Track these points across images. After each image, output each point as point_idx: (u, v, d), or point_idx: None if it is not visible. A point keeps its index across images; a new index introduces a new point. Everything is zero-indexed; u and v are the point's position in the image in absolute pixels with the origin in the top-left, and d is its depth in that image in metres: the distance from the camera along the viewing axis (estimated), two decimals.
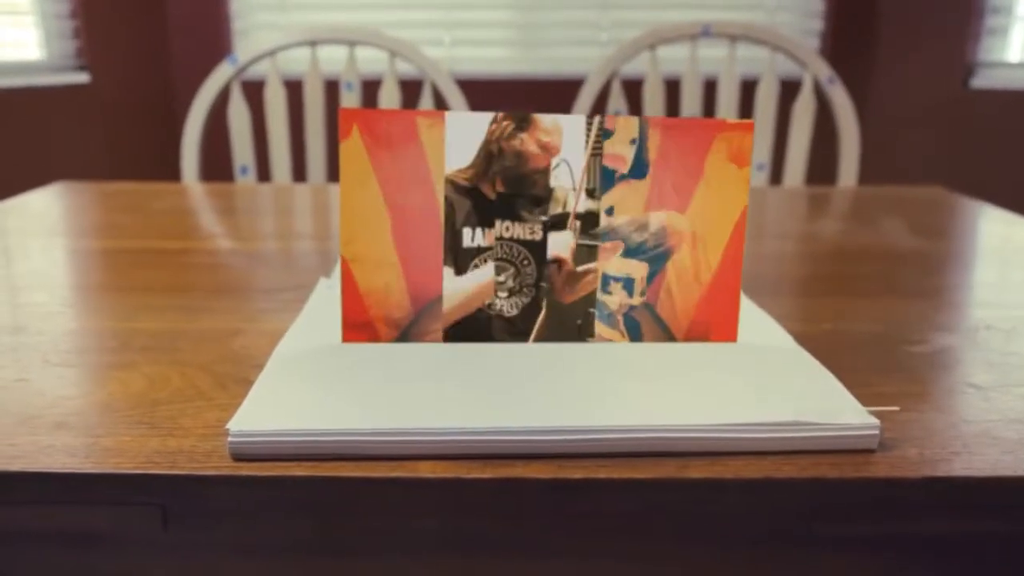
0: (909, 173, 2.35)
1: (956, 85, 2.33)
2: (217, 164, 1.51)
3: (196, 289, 0.75)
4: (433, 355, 0.54)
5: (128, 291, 0.74)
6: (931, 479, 0.44)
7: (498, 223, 0.56)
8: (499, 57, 2.59)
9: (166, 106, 2.00)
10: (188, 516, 0.44)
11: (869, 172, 1.59)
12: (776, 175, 1.65)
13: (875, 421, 0.46)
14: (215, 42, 2.44)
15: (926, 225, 1.06)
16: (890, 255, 0.90)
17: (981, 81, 2.32)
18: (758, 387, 0.50)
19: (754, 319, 0.63)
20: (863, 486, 0.44)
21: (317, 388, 0.50)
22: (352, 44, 1.46)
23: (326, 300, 0.66)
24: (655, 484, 0.44)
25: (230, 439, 0.45)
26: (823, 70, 1.44)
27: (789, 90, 1.56)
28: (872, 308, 0.71)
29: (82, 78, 2.16)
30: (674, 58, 1.64)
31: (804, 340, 0.60)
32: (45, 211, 1.08)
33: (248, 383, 0.54)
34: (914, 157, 2.37)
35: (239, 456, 0.45)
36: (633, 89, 1.50)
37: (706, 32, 1.45)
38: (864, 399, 0.50)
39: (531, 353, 0.55)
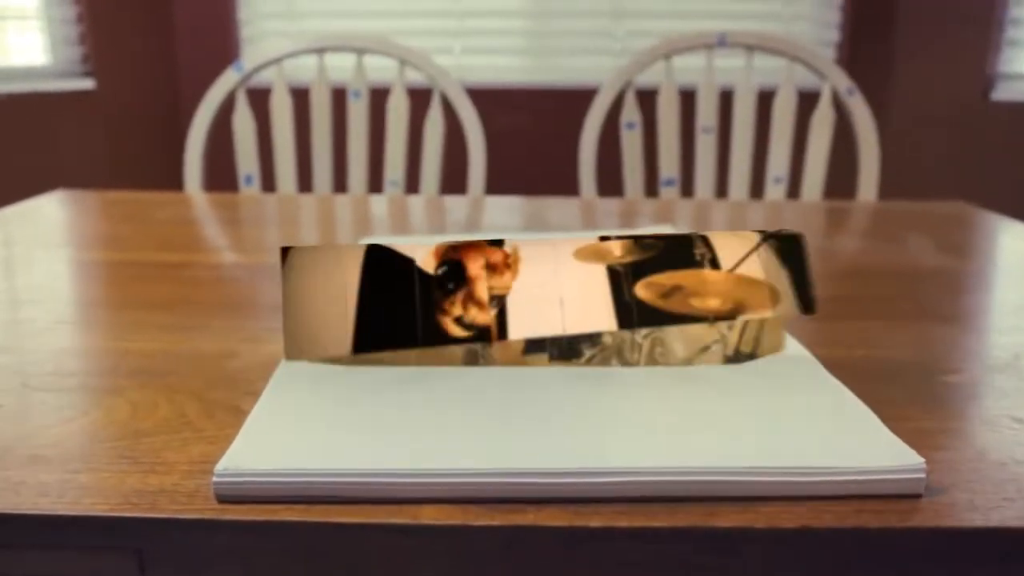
0: (928, 186, 2.31)
1: (976, 97, 2.29)
2: (221, 173, 1.48)
3: (194, 305, 0.72)
4: (440, 383, 0.51)
5: (123, 307, 0.71)
6: (984, 530, 0.40)
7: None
8: (510, 66, 2.56)
9: (172, 114, 1.98)
10: (167, 563, 0.41)
11: (887, 185, 1.55)
12: (794, 188, 1.61)
13: (921, 461, 0.42)
14: (222, 50, 2.42)
15: (951, 242, 1.01)
16: (916, 274, 0.85)
17: (1002, 93, 2.28)
18: (791, 424, 0.46)
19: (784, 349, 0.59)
20: (909, 537, 0.40)
21: (313, 422, 0.46)
22: (360, 52, 1.43)
23: None
24: (680, 534, 0.40)
25: (215, 479, 0.41)
26: (842, 81, 1.40)
27: (807, 101, 1.52)
28: (903, 333, 0.67)
29: (88, 84, 2.13)
30: (689, 68, 1.60)
31: (833, 367, 0.56)
32: (45, 220, 1.04)
33: (240, 412, 0.50)
34: (933, 170, 2.33)
35: (224, 498, 0.41)
36: (647, 100, 1.46)
37: (722, 42, 1.42)
38: (904, 436, 0.46)
39: (545, 380, 0.51)
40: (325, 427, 0.45)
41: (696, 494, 0.41)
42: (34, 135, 2.03)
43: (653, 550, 0.40)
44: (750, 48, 1.42)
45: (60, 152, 2.08)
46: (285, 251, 0.53)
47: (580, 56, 2.54)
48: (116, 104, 2.18)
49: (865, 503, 0.42)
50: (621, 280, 0.52)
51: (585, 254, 0.53)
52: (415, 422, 0.46)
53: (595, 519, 0.40)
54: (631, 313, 0.51)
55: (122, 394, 0.53)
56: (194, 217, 1.10)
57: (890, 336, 0.66)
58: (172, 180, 1.41)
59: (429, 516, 0.40)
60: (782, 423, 0.46)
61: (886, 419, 0.47)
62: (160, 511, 0.40)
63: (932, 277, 0.85)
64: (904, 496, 0.42)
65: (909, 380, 0.57)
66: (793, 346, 0.59)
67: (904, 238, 1.02)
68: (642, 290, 0.52)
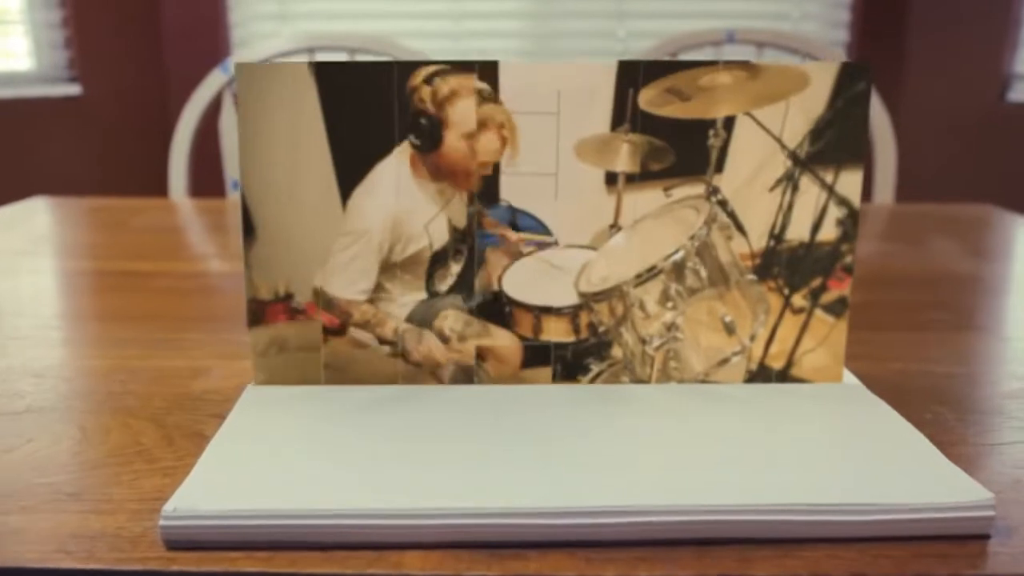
0: (942, 190, 2.25)
1: (992, 98, 2.23)
2: (209, 179, 1.43)
3: (165, 318, 0.66)
4: (427, 407, 0.45)
5: (87, 320, 0.65)
6: None
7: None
8: (510, 50, 2.50)
9: (161, 120, 1.93)
10: None
11: (900, 188, 1.49)
12: None
13: (989, 496, 0.36)
14: (212, 53, 2.36)
15: (980, 246, 0.95)
16: (946, 280, 0.79)
17: (1018, 94, 2.22)
18: (834, 453, 0.40)
19: None
20: None
21: (280, 454, 0.40)
22: (352, 52, 1.38)
23: None
24: None
25: (162, 522, 0.35)
26: None
27: None
28: (939, 343, 0.61)
29: (73, 89, 2.08)
30: None
31: (870, 383, 0.50)
32: (17, 228, 0.99)
33: (203, 439, 0.44)
34: (946, 174, 2.27)
35: (174, 543, 0.35)
36: None
37: (731, 38, 1.36)
38: (958, 464, 0.40)
39: (547, 402, 0.45)
40: (294, 460, 0.39)
41: (727, 536, 0.35)
42: (18, 142, 1.98)
43: None
44: (760, 45, 1.36)
45: (45, 160, 2.03)
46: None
47: (582, 58, 2.48)
48: (103, 110, 2.12)
49: (924, 546, 0.36)
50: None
51: (588, 151, 0.45)
52: (398, 453, 0.40)
53: (609, 568, 0.34)
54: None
55: (72, 418, 0.47)
56: (174, 224, 1.04)
57: (926, 347, 0.60)
58: (161, 187, 1.35)
59: (414, 565, 0.34)
60: (824, 452, 0.40)
61: (935, 444, 0.41)
62: (97, 561, 0.34)
63: (963, 283, 0.79)
64: (970, 537, 0.36)
65: (955, 397, 0.51)
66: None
67: (929, 242, 0.96)
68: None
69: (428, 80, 0.44)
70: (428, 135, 0.44)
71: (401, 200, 0.45)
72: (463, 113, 0.44)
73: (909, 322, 0.67)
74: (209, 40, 2.34)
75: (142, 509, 0.38)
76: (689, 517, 0.35)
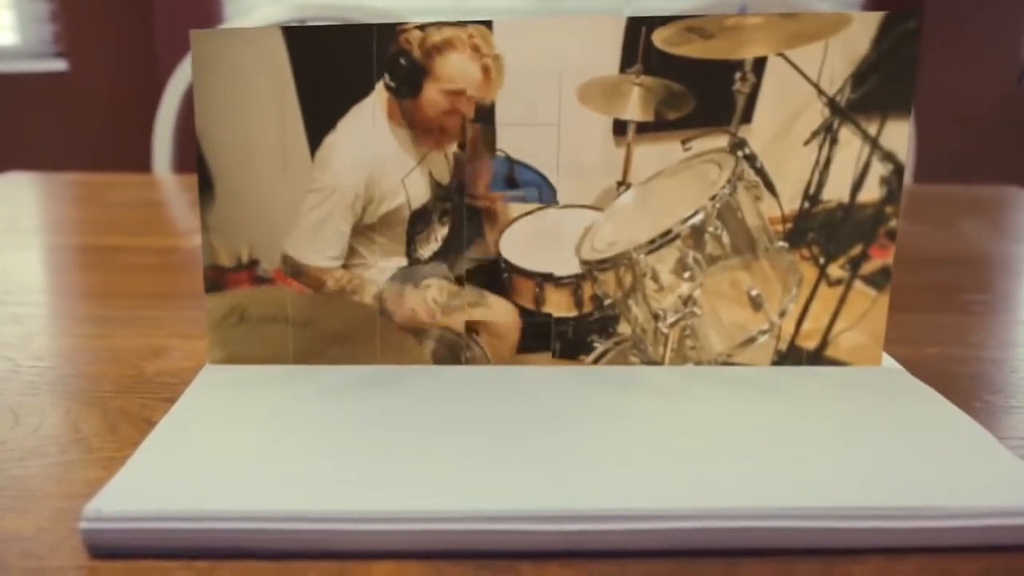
0: (958, 175, 2.18)
1: (1009, 83, 2.16)
2: (194, 154, 1.36)
3: (130, 295, 0.60)
4: (404, 392, 0.39)
5: (44, 296, 0.59)
6: None
7: None
8: None
9: (148, 95, 1.85)
10: None
11: (916, 172, 1.43)
12: None
13: None
14: (204, 27, 2.29)
15: (1009, 227, 0.90)
16: (981, 262, 0.74)
17: None
18: (883, 450, 0.34)
19: None
20: None
21: (231, 445, 0.34)
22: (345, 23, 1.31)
23: None
24: None
25: (83, 524, 0.29)
26: None
27: None
28: (982, 327, 0.55)
29: (59, 65, 2.01)
30: None
31: (910, 369, 0.44)
32: None
33: (149, 425, 0.38)
34: (963, 159, 2.20)
35: (98, 550, 0.29)
36: None
37: (743, 11, 1.30)
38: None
39: (546, 385, 0.39)
40: (248, 453, 0.33)
41: (761, 546, 0.29)
42: (2, 118, 1.91)
43: None
44: None
45: (31, 136, 1.97)
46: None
47: None
48: (90, 86, 2.06)
49: (994, 558, 0.30)
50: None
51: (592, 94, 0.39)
52: (369, 446, 0.34)
53: None
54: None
55: (4, 401, 0.41)
56: (152, 200, 0.98)
57: (966, 331, 0.54)
58: (149, 163, 1.29)
59: None
60: (871, 448, 0.34)
61: (994, 436, 0.36)
62: (3, 570, 0.28)
63: (997, 264, 0.73)
64: None
65: (1004, 384, 0.45)
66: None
67: (958, 222, 0.90)
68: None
69: (421, 27, 0.38)
70: (406, 79, 0.38)
71: (375, 149, 0.39)
72: (453, 67, 0.38)
73: (944, 304, 0.61)
74: (201, 14, 2.27)
75: (68, 508, 0.32)
76: (715, 523, 0.29)
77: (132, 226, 0.82)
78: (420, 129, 0.39)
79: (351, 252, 0.40)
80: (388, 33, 0.38)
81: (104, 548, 0.29)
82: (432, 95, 0.39)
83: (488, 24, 0.38)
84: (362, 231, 0.40)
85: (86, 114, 2.08)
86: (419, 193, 0.39)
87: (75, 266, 0.68)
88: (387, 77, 0.38)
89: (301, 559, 0.29)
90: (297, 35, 0.38)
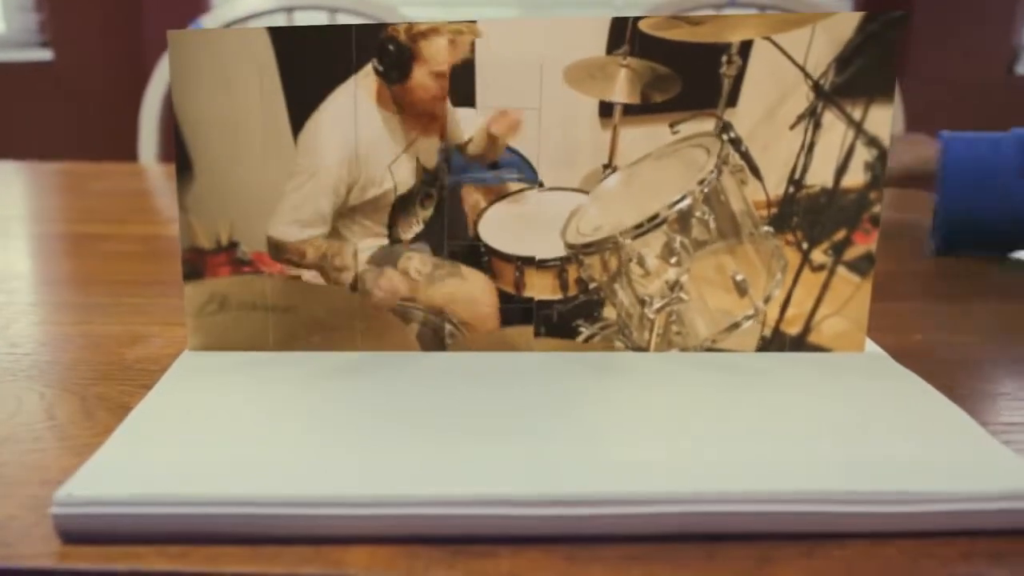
0: None
1: (999, 71, 2.16)
2: None
3: (111, 282, 0.59)
4: (383, 376, 0.38)
5: (23, 283, 0.59)
6: None
7: None
8: None
9: (135, 85, 1.84)
10: None
11: None
12: None
13: None
14: (192, 16, 2.27)
15: None
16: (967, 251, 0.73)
17: None
18: (865, 434, 0.34)
19: None
20: None
21: (206, 431, 0.34)
22: (333, 11, 1.31)
23: None
24: None
25: (54, 509, 0.29)
26: None
27: None
28: (966, 314, 0.55)
29: (45, 55, 1.99)
30: None
31: (894, 356, 0.43)
32: None
33: (127, 412, 0.38)
34: None
35: (70, 536, 0.29)
36: None
37: (732, 3, 1.29)
38: (1016, 447, 0.34)
39: (526, 367, 0.39)
40: (223, 438, 0.33)
41: (743, 531, 0.29)
42: None
43: None
44: (763, 8, 1.29)
45: (15, 126, 1.95)
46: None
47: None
48: (75, 75, 2.04)
49: (975, 543, 0.30)
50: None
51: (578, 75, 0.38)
52: (344, 430, 0.34)
53: (596, 568, 0.28)
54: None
55: None
56: (135, 188, 0.98)
57: (949, 317, 0.54)
58: (135, 153, 1.28)
59: (358, 563, 0.28)
60: (851, 433, 0.34)
61: (980, 423, 0.35)
62: None
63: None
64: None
65: (990, 370, 0.45)
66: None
67: None
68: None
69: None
70: (395, 63, 0.38)
71: (360, 132, 0.38)
72: (441, 48, 0.38)
73: (925, 291, 0.61)
74: (190, 3, 2.25)
75: (40, 495, 0.31)
76: (694, 508, 0.29)
77: (115, 214, 0.81)
78: (409, 113, 0.39)
79: (333, 231, 0.39)
80: (369, 28, 0.38)
81: (76, 534, 0.29)
82: (422, 78, 0.38)
83: (472, 23, 0.37)
84: (346, 213, 0.39)
85: (72, 104, 2.06)
86: (405, 179, 0.39)
87: (57, 254, 0.68)
88: (376, 62, 0.37)
89: (274, 544, 0.29)
90: (279, 31, 0.38)
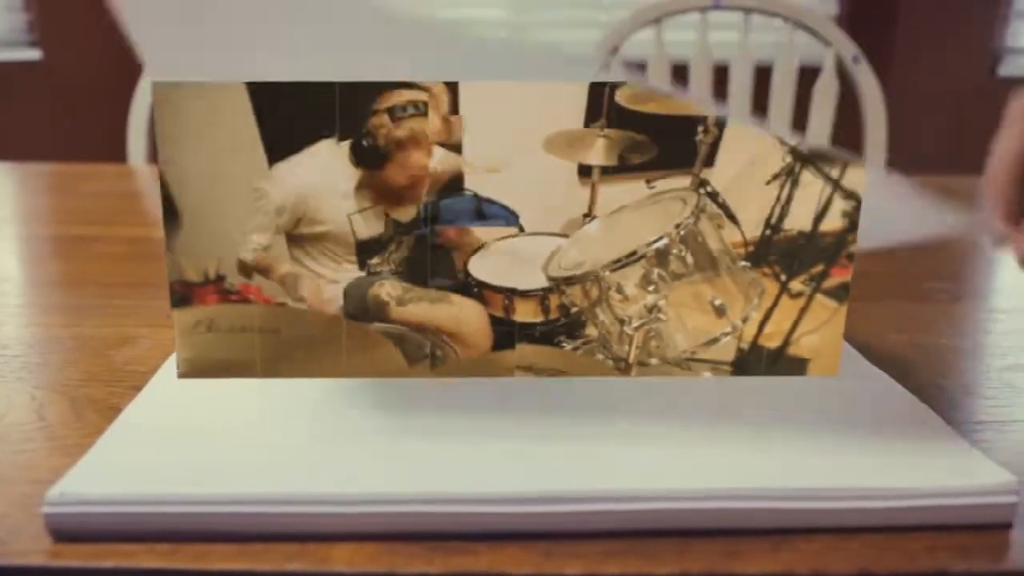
0: (931, 165, 2.20)
1: (983, 73, 2.18)
2: None
3: (100, 284, 0.60)
4: (365, 383, 0.39)
5: (16, 285, 0.59)
6: None
7: None
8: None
9: (125, 86, 1.84)
10: None
11: (890, 162, 1.45)
12: None
13: (1011, 480, 0.31)
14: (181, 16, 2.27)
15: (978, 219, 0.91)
16: (943, 251, 0.75)
17: (1010, 69, 2.17)
18: (834, 433, 0.35)
19: None
20: None
21: (195, 432, 0.34)
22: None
23: None
24: None
25: (46, 508, 0.30)
26: (847, 47, 1.29)
27: (807, 74, 1.41)
28: (942, 315, 0.56)
29: (33, 55, 1.98)
30: (681, 41, 1.49)
31: (869, 356, 0.45)
32: None
33: (116, 413, 0.39)
34: (936, 149, 2.22)
35: (61, 534, 0.30)
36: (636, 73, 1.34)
37: (717, 5, 1.31)
38: (978, 444, 0.35)
39: (506, 381, 0.40)
40: (210, 440, 0.34)
41: (713, 526, 0.30)
42: None
43: None
44: (747, 11, 1.30)
45: (3, 127, 1.94)
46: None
47: (564, 29, 2.42)
48: (65, 76, 2.03)
49: (938, 537, 0.31)
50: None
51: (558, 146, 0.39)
52: (329, 430, 0.34)
53: (573, 564, 0.29)
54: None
55: None
56: (124, 190, 0.98)
57: (926, 318, 0.55)
58: (124, 155, 1.28)
59: (341, 560, 0.29)
60: (821, 430, 0.35)
61: (944, 421, 0.37)
62: None
63: (959, 253, 0.74)
64: (988, 526, 0.31)
65: (961, 370, 0.47)
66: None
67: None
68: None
69: (390, 111, 0.38)
70: (369, 159, 0.39)
71: (318, 177, 0.39)
72: (417, 159, 0.38)
73: (906, 292, 0.62)
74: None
75: (32, 494, 0.32)
76: (667, 504, 0.30)
77: (105, 216, 0.82)
78: (378, 192, 0.39)
79: (295, 260, 0.40)
80: (353, 90, 0.38)
81: (67, 532, 0.29)
82: (394, 173, 0.39)
83: (454, 86, 0.38)
84: (298, 240, 0.39)
85: (60, 104, 2.05)
86: (371, 227, 0.39)
87: (46, 255, 0.68)
88: (351, 150, 0.38)
89: (261, 541, 0.29)
90: (260, 88, 0.38)
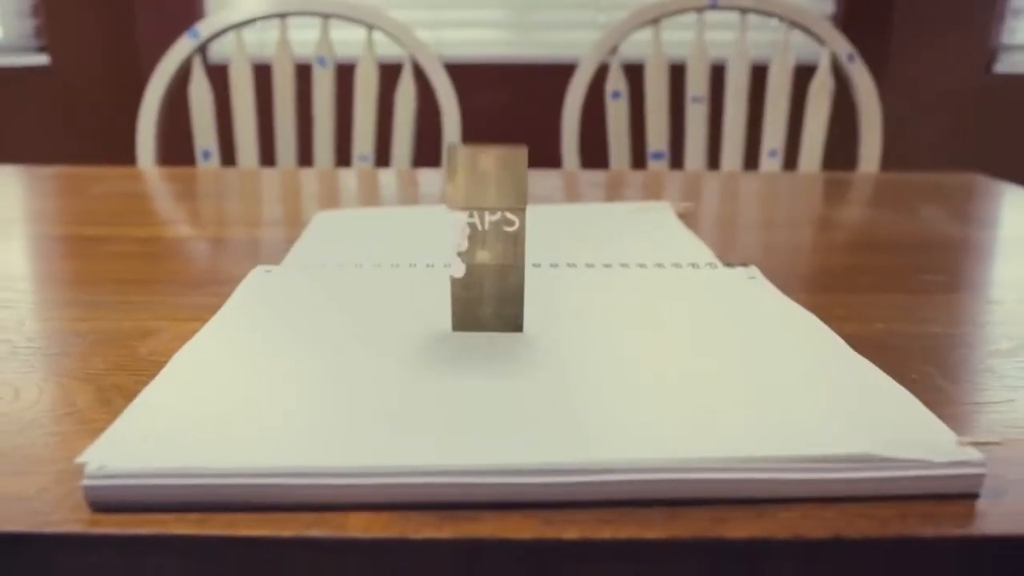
0: (928, 162, 2.23)
1: (978, 70, 2.21)
2: (179, 148, 1.39)
3: (115, 281, 0.62)
4: (379, 358, 0.42)
5: (33, 283, 0.62)
6: None
7: None
8: (489, 40, 2.46)
9: (132, 91, 1.86)
10: None
11: (886, 160, 1.47)
12: (790, 161, 1.53)
13: (978, 456, 0.34)
14: (185, 23, 2.30)
15: (968, 213, 0.93)
16: (936, 245, 0.77)
17: (1005, 66, 2.20)
18: (809, 405, 0.38)
19: (790, 316, 0.50)
20: (971, 549, 0.32)
21: (219, 403, 0.37)
22: (326, 17, 1.34)
23: (257, 290, 0.53)
24: (679, 546, 0.31)
25: (86, 481, 0.32)
26: (842, 46, 1.31)
27: (802, 72, 1.44)
28: (930, 305, 0.59)
29: (42, 60, 2.01)
30: (678, 41, 1.52)
31: (855, 343, 0.47)
32: None
33: None
34: (933, 146, 2.25)
35: (100, 505, 0.32)
36: (635, 72, 1.37)
37: (714, 5, 1.33)
38: (949, 423, 0.37)
39: (506, 349, 0.42)
40: (233, 411, 0.36)
41: (700, 496, 0.33)
42: None
43: (645, 570, 0.31)
44: (744, 11, 1.33)
45: (13, 131, 1.97)
46: None
47: (563, 29, 2.44)
48: (73, 81, 2.06)
49: (910, 506, 0.33)
50: None
51: None
52: (345, 404, 0.37)
53: (570, 530, 0.31)
54: None
55: (4, 379, 0.44)
56: (135, 191, 1.01)
57: (914, 309, 0.58)
58: (133, 157, 1.31)
59: (359, 526, 0.31)
60: (799, 403, 0.38)
61: (924, 404, 0.39)
62: (10, 523, 0.31)
63: (952, 247, 0.77)
64: (957, 496, 0.34)
65: (944, 357, 0.49)
66: (802, 316, 0.50)
67: (916, 208, 0.94)
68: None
69: None
70: None
71: None
72: None
73: (897, 284, 0.64)
74: (183, 9, 2.29)
75: (68, 470, 0.35)
76: (656, 475, 0.32)
77: (115, 216, 0.84)
78: None
79: None
80: None
81: (104, 503, 0.32)
82: None
83: None
84: None
85: (69, 108, 2.08)
86: None
87: (60, 255, 0.71)
88: None
89: (282, 511, 0.32)
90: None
